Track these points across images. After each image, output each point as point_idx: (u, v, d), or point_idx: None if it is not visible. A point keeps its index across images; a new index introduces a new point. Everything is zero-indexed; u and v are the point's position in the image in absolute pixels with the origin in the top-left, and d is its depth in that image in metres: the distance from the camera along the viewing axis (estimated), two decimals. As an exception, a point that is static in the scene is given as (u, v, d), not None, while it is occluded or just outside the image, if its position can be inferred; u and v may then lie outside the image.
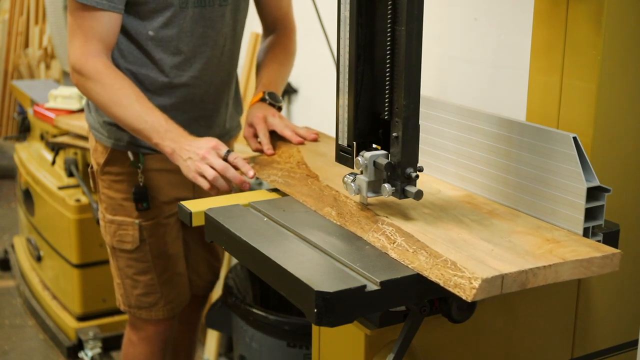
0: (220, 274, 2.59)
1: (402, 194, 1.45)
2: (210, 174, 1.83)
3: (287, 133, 2.06)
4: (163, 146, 1.95)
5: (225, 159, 1.85)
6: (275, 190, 1.79)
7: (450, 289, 1.25)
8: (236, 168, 1.86)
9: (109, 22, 2.02)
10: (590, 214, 1.43)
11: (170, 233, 2.31)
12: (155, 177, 2.23)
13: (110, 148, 2.22)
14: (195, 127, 2.13)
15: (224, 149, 1.88)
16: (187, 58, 2.14)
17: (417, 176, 1.44)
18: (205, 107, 2.23)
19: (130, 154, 2.22)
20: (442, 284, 1.26)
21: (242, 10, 2.21)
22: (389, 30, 1.40)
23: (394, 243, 1.40)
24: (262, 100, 2.15)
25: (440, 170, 1.74)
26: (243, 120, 2.25)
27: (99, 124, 2.25)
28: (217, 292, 3.37)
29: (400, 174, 1.44)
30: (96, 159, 2.28)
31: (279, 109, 2.16)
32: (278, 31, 2.36)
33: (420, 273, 1.30)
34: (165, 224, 2.29)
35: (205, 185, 1.84)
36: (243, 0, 2.20)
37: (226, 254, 3.35)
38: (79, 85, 2.06)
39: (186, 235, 2.43)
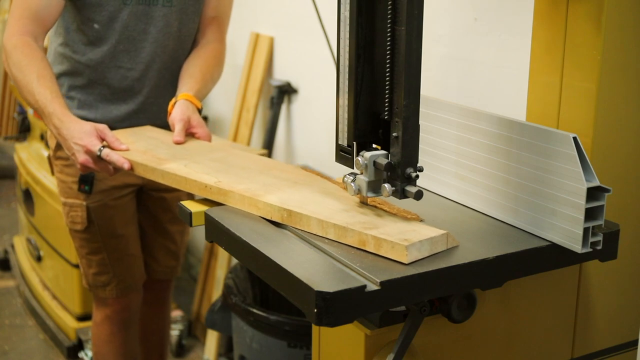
0: (180, 258, 2.67)
1: (402, 194, 1.45)
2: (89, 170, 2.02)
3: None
4: (49, 128, 2.06)
5: (99, 156, 1.96)
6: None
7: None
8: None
9: (48, 5, 2.09)
10: (590, 214, 1.42)
11: (121, 215, 2.40)
12: None
13: None
14: (135, 120, 2.23)
15: (96, 147, 1.96)
16: (128, 51, 2.23)
17: (417, 176, 1.44)
18: (145, 101, 2.31)
19: None
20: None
21: (190, 14, 2.30)
22: (389, 30, 1.39)
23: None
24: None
25: (440, 170, 1.74)
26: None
27: None
28: (217, 292, 3.37)
29: (400, 174, 1.44)
30: (51, 144, 2.41)
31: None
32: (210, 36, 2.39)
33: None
34: (114, 206, 2.38)
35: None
36: (191, 5, 2.28)
37: (226, 254, 3.35)
38: (4, 63, 2.11)
39: (141, 220, 2.52)
